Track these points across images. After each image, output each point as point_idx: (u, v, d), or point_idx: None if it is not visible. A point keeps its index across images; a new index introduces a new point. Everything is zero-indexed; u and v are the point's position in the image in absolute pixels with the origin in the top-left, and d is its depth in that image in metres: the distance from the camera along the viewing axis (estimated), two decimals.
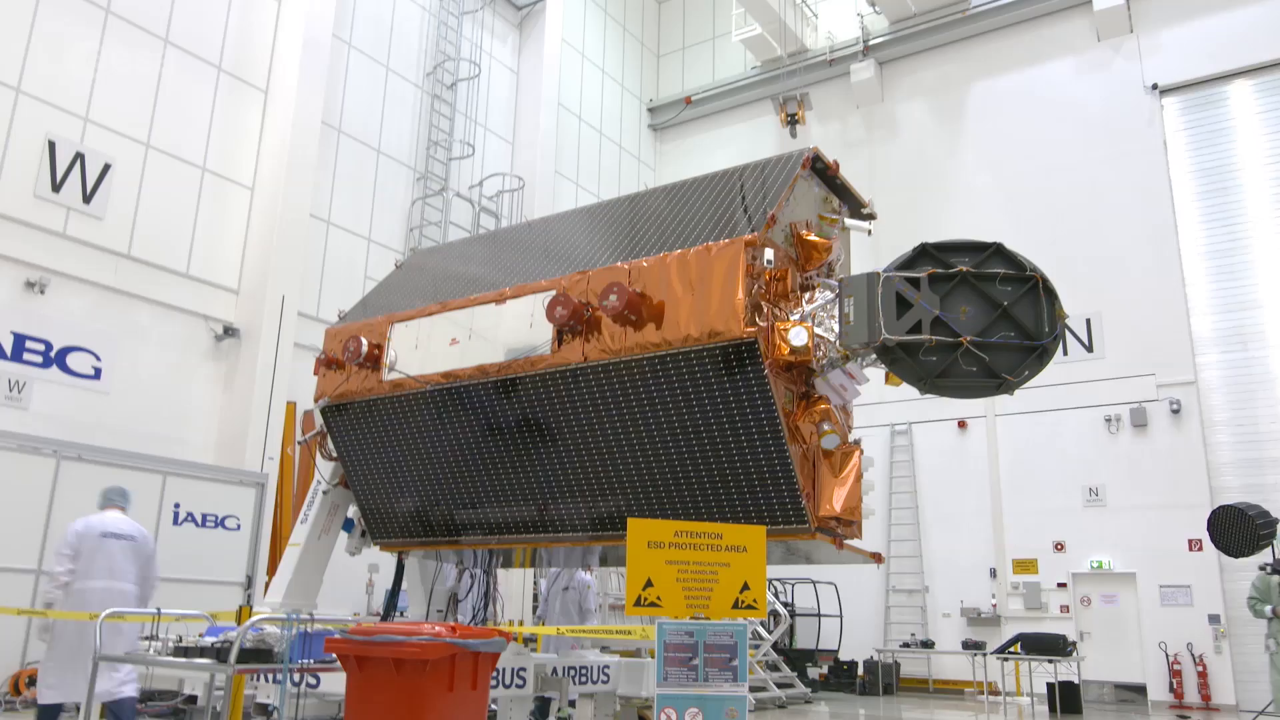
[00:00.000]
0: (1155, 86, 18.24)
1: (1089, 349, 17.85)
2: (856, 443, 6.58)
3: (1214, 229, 17.42)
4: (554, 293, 6.61)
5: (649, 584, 3.32)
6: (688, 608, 3.39)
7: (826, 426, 6.21)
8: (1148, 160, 18.01)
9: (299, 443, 9.05)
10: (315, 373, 8.06)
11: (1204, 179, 17.65)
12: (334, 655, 3.72)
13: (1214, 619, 15.99)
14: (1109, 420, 17.52)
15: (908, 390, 19.09)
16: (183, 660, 4.37)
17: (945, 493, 18.94)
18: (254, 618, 4.31)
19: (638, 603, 3.32)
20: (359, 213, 16.39)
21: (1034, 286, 6.12)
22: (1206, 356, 17.05)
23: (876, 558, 7.18)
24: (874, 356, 6.28)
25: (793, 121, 19.11)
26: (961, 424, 19.04)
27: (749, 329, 5.82)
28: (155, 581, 8.16)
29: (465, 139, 18.53)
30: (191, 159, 13.81)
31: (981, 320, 6.02)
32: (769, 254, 6.05)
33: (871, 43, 21.47)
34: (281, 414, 13.39)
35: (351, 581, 13.47)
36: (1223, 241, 17.34)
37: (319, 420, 8.12)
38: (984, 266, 6.11)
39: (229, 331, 13.75)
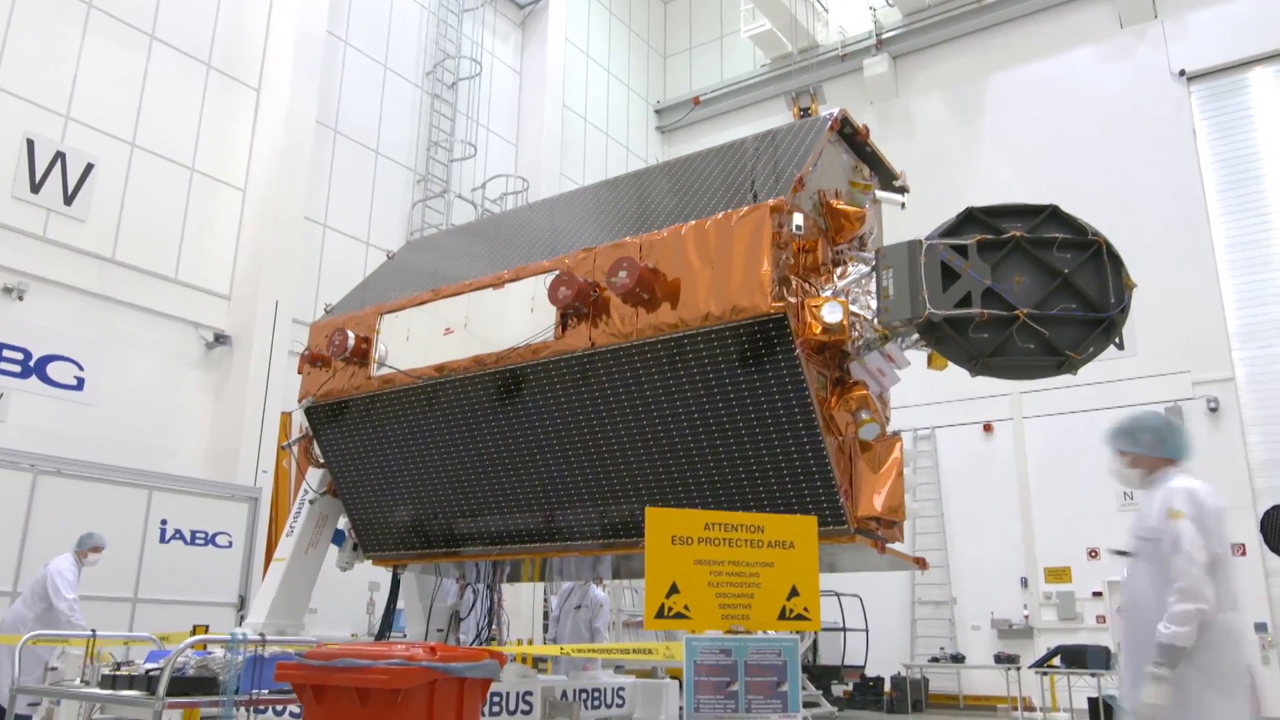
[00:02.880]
0: (1183, 73, 17.52)
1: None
2: (896, 434, 5.89)
3: (1249, 218, 16.67)
4: (557, 273, 5.95)
5: (674, 590, 2.61)
6: (723, 619, 2.68)
7: (865, 415, 5.51)
8: (1176, 149, 17.27)
9: (282, 447, 8.40)
10: (299, 370, 7.42)
11: (1236, 167, 16.90)
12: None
13: (1260, 627, 15.12)
14: None
15: (930, 393, 18.20)
16: (106, 693, 3.67)
17: (971, 499, 18.15)
18: (188, 640, 3.60)
19: (660, 613, 2.61)
20: (357, 216, 15.77)
21: (1096, 252, 5.43)
22: (1244, 352, 16.26)
23: (920, 563, 6.49)
24: (916, 336, 5.59)
25: (805, 116, 18.47)
26: (987, 427, 18.27)
27: (776, 304, 5.14)
28: (53, 605, 8.39)
29: (467, 139, 17.92)
30: (180, 159, 13.21)
31: (1039, 291, 5.32)
32: (798, 219, 5.36)
33: (884, 36, 20.81)
34: (276, 425, 12.72)
35: (352, 599, 12.77)
36: (1258, 231, 16.58)
37: (304, 422, 7.47)
38: (1039, 231, 5.42)
39: (220, 339, 13.10)
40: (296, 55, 14.34)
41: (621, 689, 6.69)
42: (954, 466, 18.50)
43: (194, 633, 3.98)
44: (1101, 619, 16.57)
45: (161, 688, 3.27)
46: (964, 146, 19.73)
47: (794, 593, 2.73)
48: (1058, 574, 17.15)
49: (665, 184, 6.85)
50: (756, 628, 2.70)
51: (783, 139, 6.43)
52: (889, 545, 5.79)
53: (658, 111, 24.36)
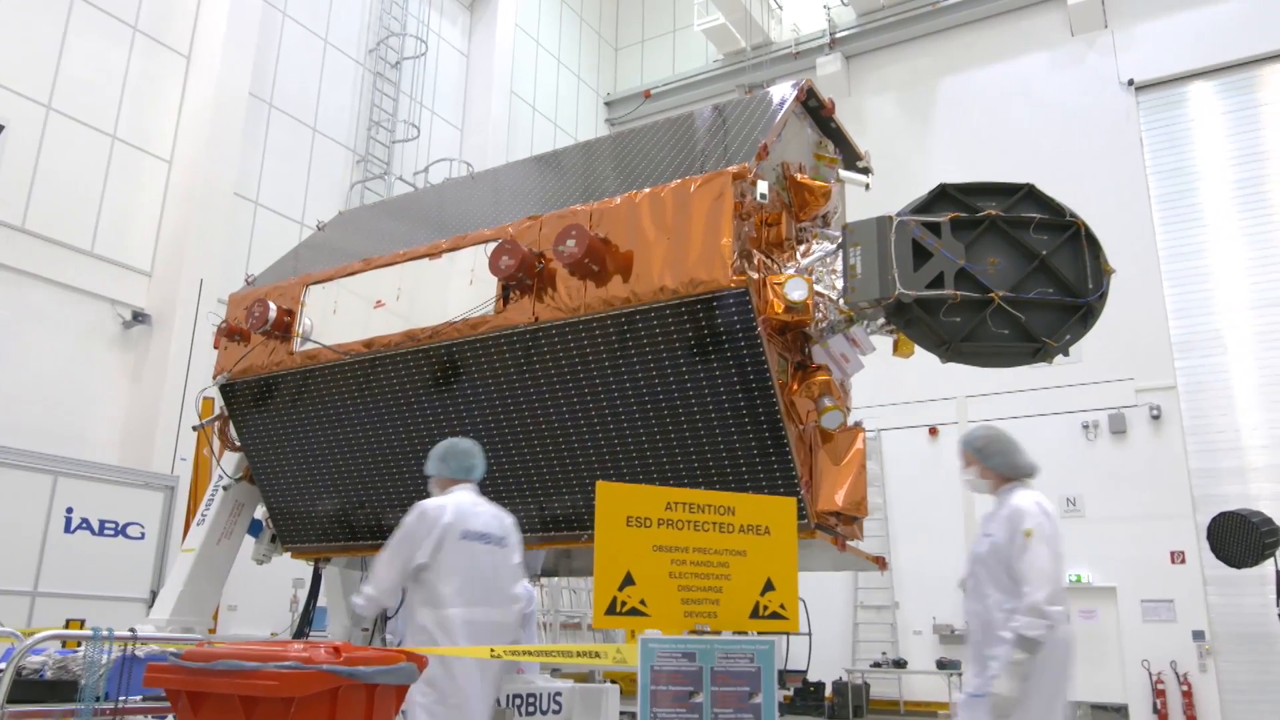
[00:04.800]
0: (1131, 83, 17.60)
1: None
2: (858, 424, 5.52)
3: (1192, 229, 16.77)
4: (499, 241, 5.47)
5: (629, 581, 2.18)
6: (686, 617, 2.25)
7: (828, 401, 5.13)
8: (1124, 158, 17.33)
9: (194, 429, 7.79)
10: (216, 345, 6.84)
11: (1182, 177, 17.00)
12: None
13: (1198, 635, 15.17)
14: (1086, 427, 16.72)
15: (875, 395, 17.83)
16: None
17: (916, 503, 17.99)
18: (37, 636, 3.05)
19: (612, 609, 2.18)
20: (291, 194, 15.05)
21: (1075, 234, 5.16)
22: (1187, 360, 16.33)
23: (880, 562, 6.14)
24: (883, 319, 5.23)
25: None
26: (933, 431, 18.14)
27: (738, 277, 4.74)
28: None
29: (410, 120, 17.29)
30: (101, 126, 12.42)
31: (1014, 273, 5.00)
32: (763, 187, 4.96)
33: (838, 35, 20.64)
34: (196, 410, 11.99)
35: (275, 596, 12.09)
36: (1202, 242, 16.68)
37: (219, 401, 6.89)
38: (1015, 210, 5.10)
39: (139, 317, 12.33)
40: (230, 23, 13.62)
41: (558, 694, 6.21)
42: (899, 470, 18.33)
43: (68, 628, 3.43)
44: None
45: (1, 693, 2.72)
46: (915, 147, 19.61)
47: (769, 587, 2.31)
48: None
49: (615, 154, 6.42)
50: (725, 627, 2.27)
51: (740, 111, 6.05)
52: (849, 543, 5.42)
53: (608, 103, 23.92)
